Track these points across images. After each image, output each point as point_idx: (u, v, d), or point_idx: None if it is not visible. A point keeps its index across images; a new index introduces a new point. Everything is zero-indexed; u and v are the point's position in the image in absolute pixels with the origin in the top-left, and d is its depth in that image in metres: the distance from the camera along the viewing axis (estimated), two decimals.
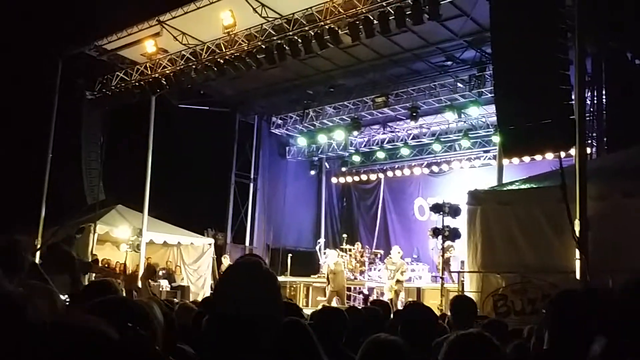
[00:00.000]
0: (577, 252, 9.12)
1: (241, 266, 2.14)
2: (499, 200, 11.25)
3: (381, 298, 16.27)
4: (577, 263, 9.09)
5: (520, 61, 9.43)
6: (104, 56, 17.77)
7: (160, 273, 18.49)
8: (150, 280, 17.03)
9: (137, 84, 17.40)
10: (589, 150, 14.40)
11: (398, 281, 15.67)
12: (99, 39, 17.09)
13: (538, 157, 15.34)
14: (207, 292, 18.92)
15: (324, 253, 19.79)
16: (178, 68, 16.59)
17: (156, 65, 17.06)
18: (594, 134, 15.15)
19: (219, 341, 1.94)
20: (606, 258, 8.79)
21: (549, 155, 13.02)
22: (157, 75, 16.94)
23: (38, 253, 17.81)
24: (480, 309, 10.26)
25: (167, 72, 16.77)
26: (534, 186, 11.37)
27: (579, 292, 3.51)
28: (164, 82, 16.82)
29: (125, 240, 18.12)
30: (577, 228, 9.09)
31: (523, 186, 11.71)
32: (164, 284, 18.26)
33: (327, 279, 16.81)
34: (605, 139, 14.77)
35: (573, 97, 9.88)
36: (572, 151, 9.75)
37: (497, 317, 8.92)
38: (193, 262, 20.03)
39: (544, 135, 9.27)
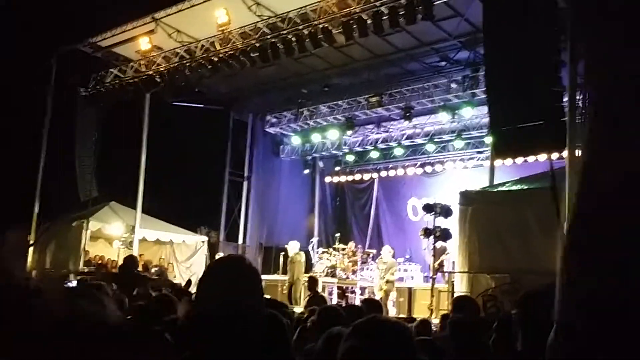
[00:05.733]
0: None
1: (223, 262, 2.19)
2: (489, 201, 11.31)
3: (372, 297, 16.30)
4: None
5: (513, 62, 9.47)
6: (99, 53, 17.77)
7: (153, 270, 18.46)
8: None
9: (131, 81, 17.37)
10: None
11: (388, 281, 15.64)
12: (94, 36, 17.09)
13: (530, 159, 15.35)
14: None
15: (317, 252, 19.79)
16: (172, 65, 16.55)
17: (150, 62, 17.03)
18: None
19: (205, 336, 1.97)
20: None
21: (541, 157, 13.04)
22: (151, 72, 16.91)
23: (31, 249, 17.90)
24: None
25: (161, 69, 16.75)
26: (525, 187, 11.40)
27: (542, 292, 3.54)
28: (158, 80, 16.80)
29: (118, 237, 18.12)
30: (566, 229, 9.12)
31: (514, 187, 11.75)
32: None
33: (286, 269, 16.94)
34: None
35: (565, 99, 9.93)
36: (565, 153, 9.77)
37: (487, 317, 8.93)
38: (185, 260, 20.01)
39: (535, 136, 9.31)
